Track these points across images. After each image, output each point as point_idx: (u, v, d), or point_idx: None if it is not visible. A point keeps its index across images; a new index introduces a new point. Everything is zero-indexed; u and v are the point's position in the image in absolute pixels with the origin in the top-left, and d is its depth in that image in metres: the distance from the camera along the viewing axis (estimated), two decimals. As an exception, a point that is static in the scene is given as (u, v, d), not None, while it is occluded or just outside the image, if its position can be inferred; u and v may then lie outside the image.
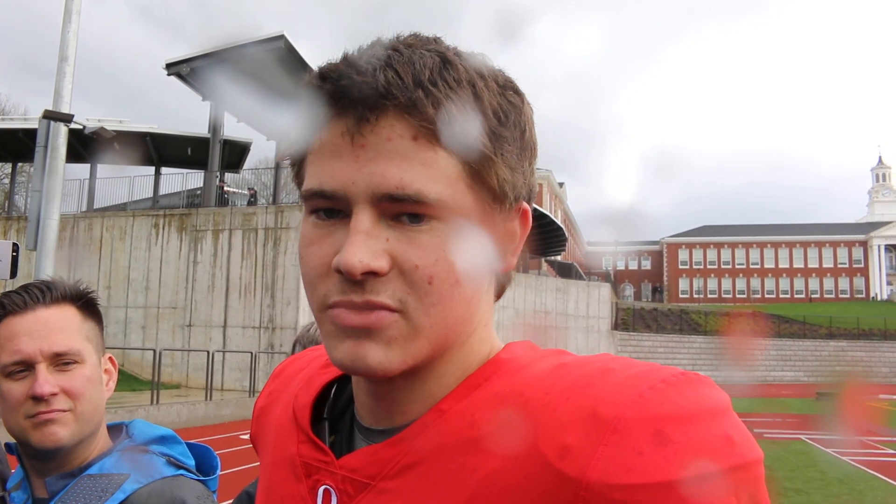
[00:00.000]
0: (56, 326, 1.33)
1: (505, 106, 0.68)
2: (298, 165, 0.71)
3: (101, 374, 1.41)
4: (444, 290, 0.65)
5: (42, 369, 1.30)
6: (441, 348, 0.69)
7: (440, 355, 0.69)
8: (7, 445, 1.43)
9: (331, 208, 0.67)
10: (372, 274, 0.63)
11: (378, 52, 0.65)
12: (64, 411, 1.31)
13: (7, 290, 1.38)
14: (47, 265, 9.57)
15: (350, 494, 0.70)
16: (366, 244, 0.63)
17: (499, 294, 0.78)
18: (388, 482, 0.68)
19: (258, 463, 0.93)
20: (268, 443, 0.87)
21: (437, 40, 0.69)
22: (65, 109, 10.04)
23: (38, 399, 1.29)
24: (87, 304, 1.41)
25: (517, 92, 0.71)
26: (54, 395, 1.30)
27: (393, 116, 0.63)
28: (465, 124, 0.64)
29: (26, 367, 1.30)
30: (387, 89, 0.63)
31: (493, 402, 0.66)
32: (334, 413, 0.82)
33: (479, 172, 0.66)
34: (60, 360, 1.32)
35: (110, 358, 1.48)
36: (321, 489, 0.73)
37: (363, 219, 0.64)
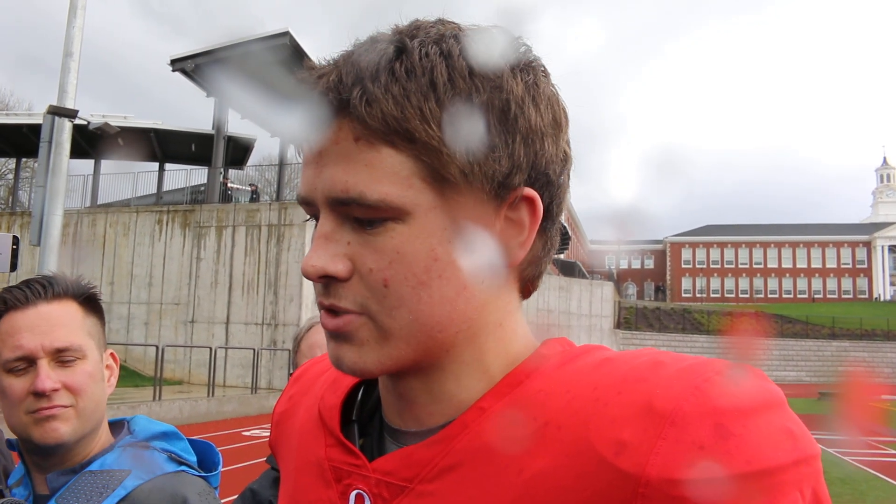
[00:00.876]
0: (58, 322, 1.33)
1: (477, 87, 0.63)
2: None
3: (102, 370, 1.41)
4: (403, 292, 0.63)
5: (44, 365, 1.30)
6: (429, 349, 0.66)
7: (441, 355, 0.67)
8: (9, 442, 1.43)
9: (313, 213, 0.68)
10: (332, 278, 0.64)
11: (340, 56, 0.65)
12: (65, 407, 1.30)
13: (9, 285, 1.38)
14: (51, 261, 9.58)
15: (385, 499, 0.68)
16: (324, 248, 0.64)
17: (525, 291, 0.73)
18: (426, 485, 0.65)
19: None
20: (291, 448, 0.85)
21: (423, 26, 0.66)
22: (69, 105, 10.05)
23: (39, 395, 1.28)
24: (88, 300, 1.41)
25: (498, 67, 0.65)
26: (56, 390, 1.29)
27: (339, 119, 0.63)
28: (409, 120, 0.61)
29: (28, 362, 1.30)
30: (327, 92, 0.63)
31: (538, 399, 0.63)
32: (363, 415, 0.79)
33: (435, 168, 0.62)
34: (62, 356, 1.32)
35: (112, 354, 1.47)
36: (353, 494, 0.71)
37: (324, 223, 0.65)
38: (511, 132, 0.64)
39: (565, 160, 0.70)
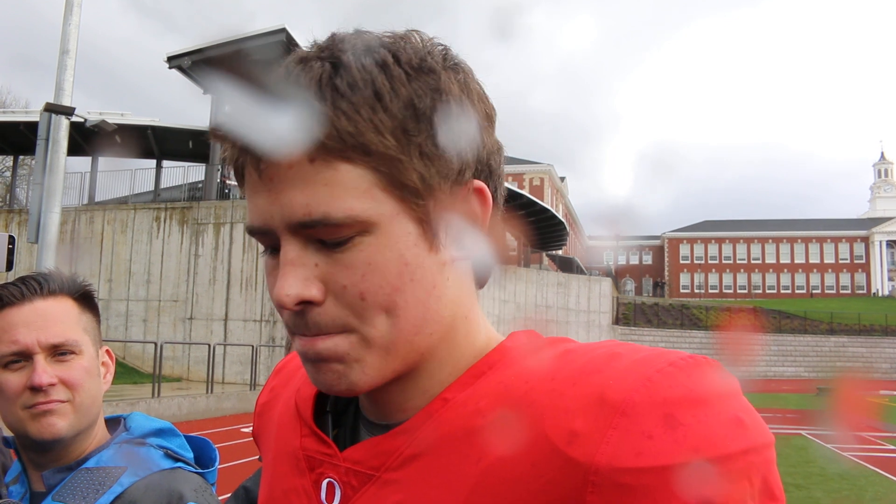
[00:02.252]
0: (54, 318, 1.33)
1: (419, 92, 0.64)
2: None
3: (98, 366, 1.41)
4: (381, 301, 0.64)
5: (40, 360, 1.30)
6: (410, 353, 0.67)
7: (418, 357, 0.68)
8: (5, 439, 1.43)
9: (269, 243, 0.67)
10: (307, 303, 0.64)
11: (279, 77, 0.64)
12: (62, 402, 1.31)
13: (5, 282, 1.37)
14: (48, 258, 9.58)
15: (354, 487, 0.70)
16: (294, 275, 0.63)
17: (480, 282, 0.75)
18: (392, 473, 0.67)
19: (258, 457, 0.93)
20: (270, 438, 0.87)
21: (336, 36, 0.66)
22: (66, 102, 10.04)
23: (36, 389, 1.28)
24: (84, 297, 1.41)
25: (432, 70, 0.65)
26: (53, 385, 1.29)
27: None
28: (362, 134, 0.61)
29: (24, 357, 1.30)
30: None
31: (498, 390, 0.65)
32: (338, 407, 0.81)
33: (394, 176, 0.63)
34: (58, 351, 1.32)
35: (107, 351, 1.47)
36: (325, 482, 0.73)
37: (288, 250, 0.64)
38: (465, 127, 0.67)
39: (500, 149, 0.73)
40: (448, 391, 0.68)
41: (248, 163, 0.64)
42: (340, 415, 0.80)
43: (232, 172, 0.70)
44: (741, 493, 0.54)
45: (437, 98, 0.65)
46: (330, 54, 0.64)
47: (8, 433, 1.39)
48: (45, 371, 1.29)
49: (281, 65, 0.66)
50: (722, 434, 0.55)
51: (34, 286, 1.34)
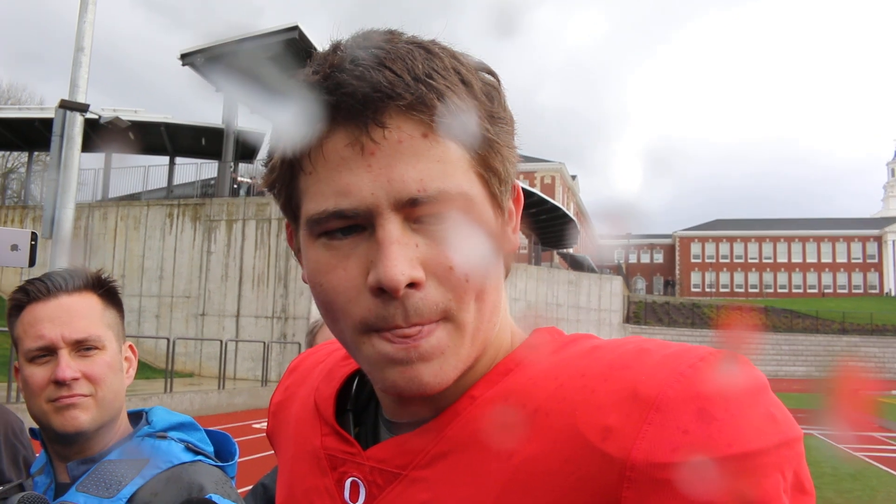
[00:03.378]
0: (78, 313, 1.36)
1: (487, 87, 0.66)
2: (288, 190, 0.68)
3: (121, 361, 1.44)
4: (479, 284, 0.63)
5: (64, 354, 1.33)
6: (481, 344, 0.67)
7: (483, 349, 0.68)
8: (32, 430, 1.46)
9: (348, 226, 0.63)
10: (411, 286, 0.61)
11: (362, 54, 0.62)
12: (85, 396, 1.34)
13: (32, 278, 1.40)
14: (62, 254, 9.63)
15: (380, 486, 0.69)
16: (402, 254, 0.60)
17: (504, 276, 0.75)
18: (419, 471, 0.66)
19: (271, 452, 0.94)
20: (287, 437, 0.86)
21: (396, 32, 0.66)
22: (80, 99, 10.08)
23: (60, 383, 1.31)
24: (108, 293, 1.44)
25: (490, 72, 0.68)
26: (76, 379, 1.32)
27: (399, 117, 0.61)
28: (468, 113, 0.63)
29: (49, 352, 1.33)
30: (391, 90, 0.60)
31: (527, 388, 0.65)
32: (357, 406, 0.80)
33: (485, 158, 0.65)
34: (82, 346, 1.35)
35: (130, 346, 1.50)
36: (348, 481, 0.72)
37: (392, 229, 0.61)
38: (512, 126, 0.69)
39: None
40: (475, 388, 0.68)
41: (340, 136, 0.62)
42: (360, 414, 0.79)
43: (281, 159, 0.66)
44: (774, 487, 0.54)
45: (499, 95, 0.68)
46: (413, 41, 0.64)
47: (35, 425, 1.41)
48: (68, 366, 1.32)
49: (364, 44, 0.64)
50: (755, 429, 0.55)
51: (60, 282, 1.37)
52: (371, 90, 0.60)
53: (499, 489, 0.61)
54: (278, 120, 0.66)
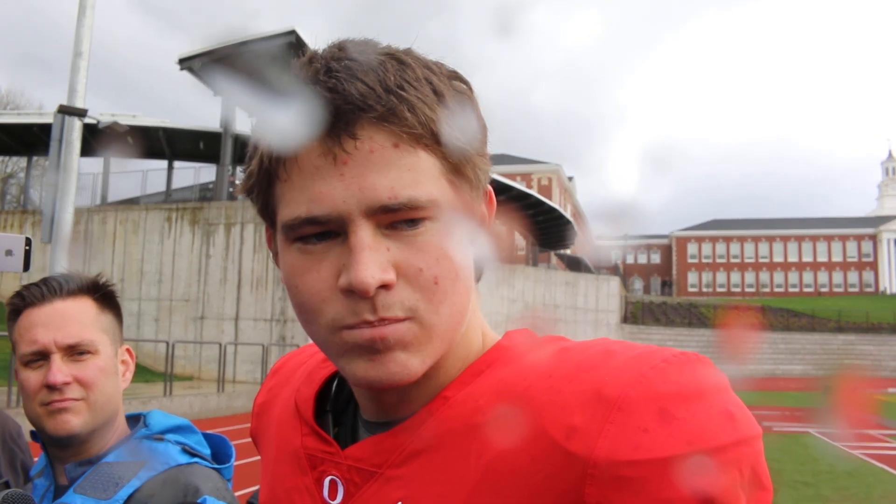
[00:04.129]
0: (71, 318, 1.38)
1: (459, 96, 0.68)
2: (265, 196, 0.70)
3: (116, 364, 1.45)
4: (447, 287, 0.65)
5: (56, 359, 1.35)
6: (451, 343, 0.69)
7: (447, 351, 0.70)
8: (33, 433, 1.49)
9: (322, 232, 0.65)
10: (382, 287, 0.63)
11: (335, 65, 0.64)
12: (76, 400, 1.35)
13: (29, 283, 1.43)
14: (61, 258, 9.65)
15: (356, 484, 0.71)
16: (373, 258, 0.63)
17: (477, 279, 0.77)
18: (395, 470, 0.69)
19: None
20: (270, 438, 0.89)
21: (371, 42, 0.68)
22: (79, 104, 10.10)
23: (52, 388, 1.33)
24: (104, 297, 1.46)
25: (463, 80, 0.70)
26: (67, 384, 1.34)
27: (371, 128, 0.63)
28: (440, 123, 0.65)
29: (42, 356, 1.35)
30: (363, 101, 0.62)
31: (497, 388, 0.67)
32: (337, 407, 0.82)
33: (456, 166, 0.67)
34: (75, 351, 1.37)
35: (128, 349, 1.52)
36: (327, 480, 0.74)
37: (364, 235, 0.63)
38: (484, 133, 0.72)
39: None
40: (448, 389, 0.70)
41: (315, 146, 0.64)
42: (339, 414, 0.82)
43: (258, 166, 0.69)
44: (732, 483, 0.56)
45: (471, 103, 0.70)
46: (385, 52, 0.66)
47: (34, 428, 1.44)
48: (59, 370, 1.34)
49: (330, 54, 0.66)
50: (714, 427, 0.57)
51: (54, 287, 1.39)
52: (343, 102, 0.62)
53: (470, 487, 0.64)
54: (256, 127, 0.70)
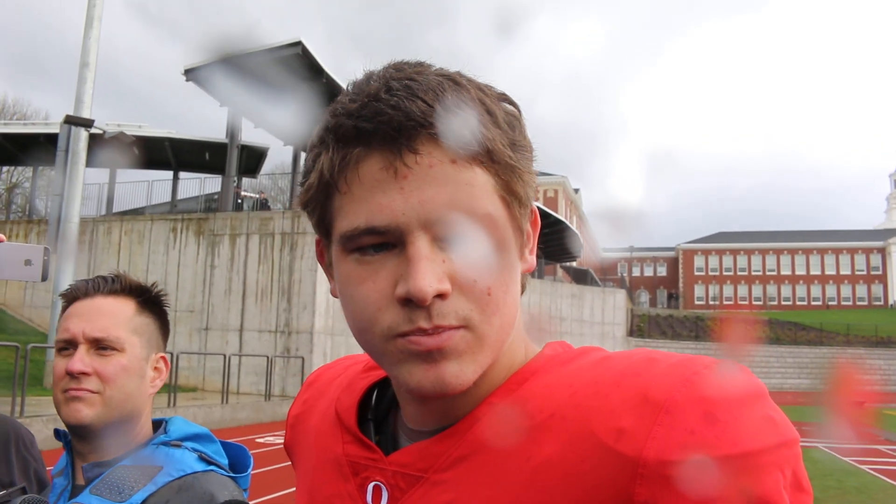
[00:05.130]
0: (104, 314, 1.43)
1: (509, 117, 0.72)
2: (322, 208, 0.72)
3: (144, 367, 1.48)
4: (500, 298, 0.68)
5: (81, 349, 1.39)
6: (496, 355, 0.71)
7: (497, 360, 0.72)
8: (56, 431, 1.51)
9: (379, 243, 0.68)
10: (438, 296, 0.65)
11: (396, 84, 0.67)
12: (92, 392, 1.38)
13: (83, 278, 1.49)
14: (67, 267, 9.67)
15: (402, 489, 0.73)
16: (430, 269, 0.65)
17: (521, 292, 0.81)
18: (441, 474, 0.70)
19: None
20: (307, 448, 0.91)
21: (425, 64, 0.71)
22: (85, 115, 10.16)
23: (71, 375, 1.38)
24: (148, 301, 1.52)
25: (512, 102, 0.74)
26: (86, 374, 1.38)
27: (430, 144, 0.66)
28: (493, 141, 0.68)
29: (71, 345, 1.41)
30: (424, 119, 0.65)
31: (544, 394, 0.70)
32: (377, 415, 0.85)
33: (508, 183, 0.70)
34: (100, 345, 1.41)
35: (163, 357, 1.55)
36: (370, 486, 0.76)
37: (421, 246, 0.66)
38: (531, 153, 0.74)
39: None
40: (493, 396, 0.72)
41: (376, 160, 0.66)
42: (379, 423, 0.84)
43: (318, 179, 0.71)
44: (775, 484, 0.59)
45: (520, 124, 0.73)
46: (439, 73, 0.70)
47: (61, 426, 1.46)
48: (81, 360, 1.38)
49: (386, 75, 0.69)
50: (756, 430, 0.60)
51: (99, 283, 1.46)
52: (405, 119, 0.65)
53: (518, 489, 0.65)
54: (314, 141, 0.72)
